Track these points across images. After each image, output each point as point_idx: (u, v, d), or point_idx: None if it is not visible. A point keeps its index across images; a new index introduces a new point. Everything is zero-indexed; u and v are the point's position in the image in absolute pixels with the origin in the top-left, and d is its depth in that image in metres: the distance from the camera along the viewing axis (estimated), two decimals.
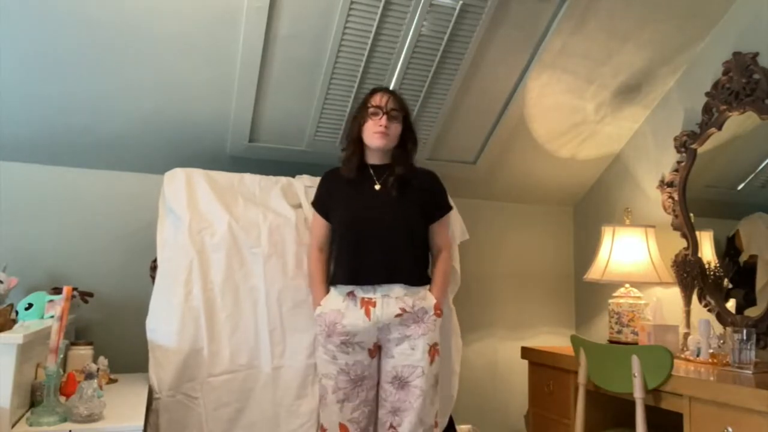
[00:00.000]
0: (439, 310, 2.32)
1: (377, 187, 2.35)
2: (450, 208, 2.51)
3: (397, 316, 2.26)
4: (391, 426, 2.26)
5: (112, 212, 2.84)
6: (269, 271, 2.41)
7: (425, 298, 2.31)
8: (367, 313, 2.26)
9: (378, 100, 2.34)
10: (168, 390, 2.23)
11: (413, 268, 2.33)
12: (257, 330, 2.36)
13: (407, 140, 2.39)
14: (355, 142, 2.38)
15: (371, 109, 2.33)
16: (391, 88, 2.61)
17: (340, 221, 2.37)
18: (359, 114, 2.38)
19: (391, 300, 2.26)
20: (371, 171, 2.38)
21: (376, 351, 2.32)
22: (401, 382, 2.26)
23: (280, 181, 2.69)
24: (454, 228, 2.70)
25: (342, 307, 2.28)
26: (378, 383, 2.33)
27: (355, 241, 2.32)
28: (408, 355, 2.26)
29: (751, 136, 2.70)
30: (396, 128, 2.34)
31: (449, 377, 2.58)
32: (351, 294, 2.29)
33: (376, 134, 2.32)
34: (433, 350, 2.29)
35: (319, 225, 2.44)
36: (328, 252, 2.42)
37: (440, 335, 2.36)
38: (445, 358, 2.52)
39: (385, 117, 2.31)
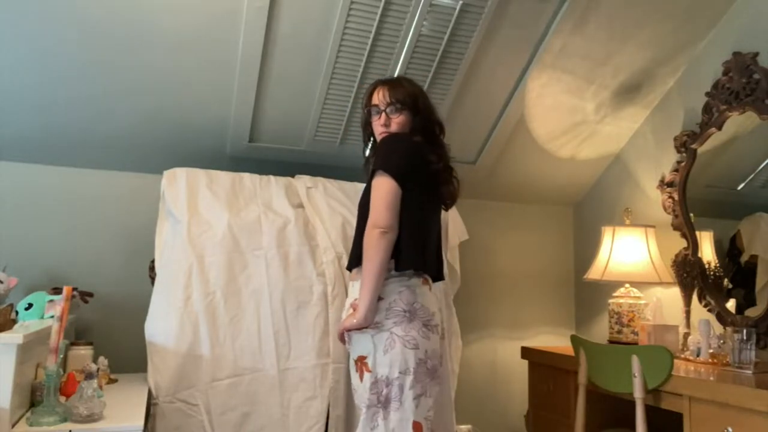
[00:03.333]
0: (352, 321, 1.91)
1: None
2: (378, 167, 1.97)
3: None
4: None
5: (112, 212, 2.84)
6: (272, 273, 2.40)
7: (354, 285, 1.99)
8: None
9: (375, 98, 2.12)
10: (165, 396, 2.22)
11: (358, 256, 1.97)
12: (261, 332, 2.35)
13: (422, 126, 2.09)
14: (371, 144, 2.18)
15: (372, 109, 2.13)
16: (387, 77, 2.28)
17: None
18: (365, 114, 2.18)
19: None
20: None
21: None
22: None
23: (281, 181, 2.69)
24: (454, 227, 2.69)
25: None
26: None
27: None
28: None
29: (751, 136, 2.69)
30: (399, 121, 2.07)
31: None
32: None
33: (380, 135, 2.11)
34: (359, 365, 1.94)
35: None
36: None
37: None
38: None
39: (384, 115, 2.08)
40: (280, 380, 2.33)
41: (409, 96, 2.10)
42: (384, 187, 1.93)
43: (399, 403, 1.87)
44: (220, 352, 2.30)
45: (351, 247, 2.08)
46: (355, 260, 1.99)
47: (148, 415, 2.17)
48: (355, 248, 2.03)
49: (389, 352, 1.88)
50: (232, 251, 2.39)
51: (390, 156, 1.99)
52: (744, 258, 2.71)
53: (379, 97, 2.10)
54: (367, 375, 1.90)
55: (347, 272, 2.44)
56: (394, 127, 2.07)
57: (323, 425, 2.35)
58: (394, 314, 1.90)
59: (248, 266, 2.40)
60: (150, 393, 2.22)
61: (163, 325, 2.29)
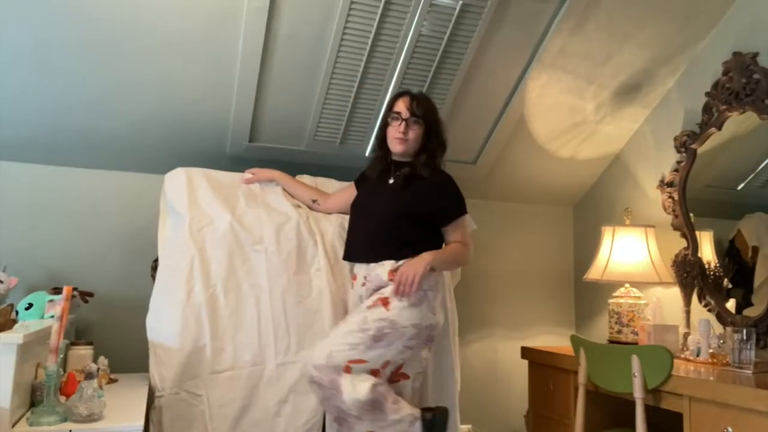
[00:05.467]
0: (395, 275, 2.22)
1: (391, 180, 2.39)
2: (462, 212, 2.40)
3: (363, 285, 2.33)
4: None
5: (112, 212, 2.84)
6: (272, 268, 2.41)
7: (383, 266, 2.28)
8: (353, 278, 2.40)
9: (399, 105, 2.38)
10: (171, 387, 2.23)
11: (396, 248, 2.29)
12: (261, 327, 2.36)
13: (430, 143, 2.38)
14: (381, 145, 2.45)
15: (392, 114, 2.38)
16: (414, 90, 2.48)
17: (354, 205, 2.49)
18: (384, 117, 2.44)
19: (363, 269, 2.34)
20: (392, 166, 2.42)
21: None
22: None
23: None
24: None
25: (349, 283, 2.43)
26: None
27: (356, 223, 2.42)
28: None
29: (751, 136, 2.70)
30: (415, 133, 2.36)
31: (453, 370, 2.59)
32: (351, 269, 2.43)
33: (395, 140, 2.37)
34: (380, 300, 2.23)
35: (346, 189, 2.61)
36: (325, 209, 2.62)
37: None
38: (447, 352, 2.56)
39: (403, 123, 2.34)
40: (279, 374, 2.34)
41: (429, 112, 2.39)
42: (468, 224, 2.45)
43: None
44: (220, 345, 2.31)
45: (378, 237, 2.32)
46: (390, 249, 2.29)
47: (150, 413, 2.17)
48: (390, 239, 2.30)
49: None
50: (233, 245, 2.41)
51: (462, 199, 2.41)
52: (747, 251, 2.70)
53: (403, 107, 2.36)
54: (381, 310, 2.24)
55: (346, 268, 2.48)
56: (410, 136, 2.35)
57: (320, 420, 2.35)
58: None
59: (248, 260, 2.41)
60: (150, 390, 2.22)
61: (166, 318, 2.30)
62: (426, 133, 2.38)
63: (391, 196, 2.36)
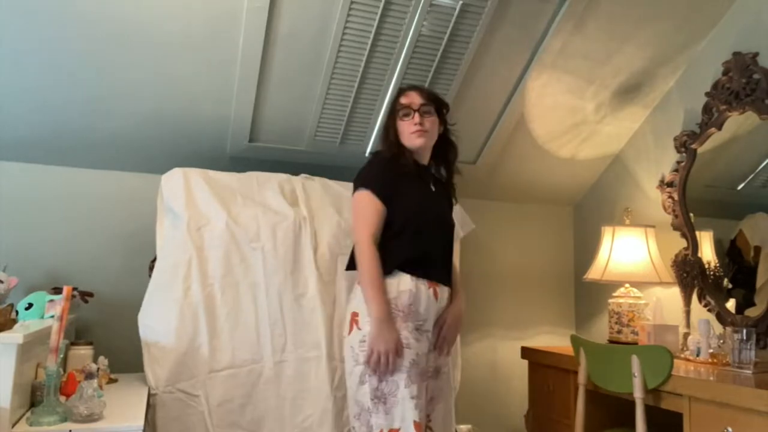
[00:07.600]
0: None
1: (432, 188, 2.24)
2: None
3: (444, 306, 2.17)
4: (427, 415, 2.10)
5: (112, 212, 2.84)
6: (269, 266, 2.42)
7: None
8: (435, 295, 2.10)
9: (406, 98, 2.19)
10: (165, 386, 2.24)
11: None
12: (258, 325, 2.38)
13: (447, 136, 2.26)
14: (397, 145, 2.18)
15: (402, 111, 2.18)
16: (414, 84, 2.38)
17: (415, 212, 2.13)
18: (390, 118, 2.22)
19: (445, 291, 2.16)
20: (422, 169, 2.24)
21: None
22: (437, 372, 2.17)
23: (279, 180, 2.70)
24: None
25: (412, 286, 2.06)
26: None
27: (428, 235, 2.14)
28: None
29: (751, 136, 2.69)
30: (432, 122, 2.19)
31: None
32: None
33: (412, 134, 2.16)
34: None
35: (376, 211, 2.10)
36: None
37: None
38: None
39: (417, 114, 2.15)
40: (277, 372, 2.35)
41: (438, 100, 2.25)
42: None
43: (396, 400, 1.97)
44: (218, 343, 2.32)
45: (449, 258, 2.22)
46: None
47: (148, 410, 2.17)
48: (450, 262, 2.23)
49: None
50: (230, 244, 2.42)
51: None
52: (749, 252, 2.70)
53: (412, 99, 2.19)
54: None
55: (341, 268, 2.48)
56: (428, 126, 2.17)
57: (319, 416, 2.35)
58: None
59: (245, 259, 2.43)
60: (149, 389, 2.22)
61: (161, 317, 2.31)
62: (441, 122, 2.23)
63: (447, 211, 2.26)
